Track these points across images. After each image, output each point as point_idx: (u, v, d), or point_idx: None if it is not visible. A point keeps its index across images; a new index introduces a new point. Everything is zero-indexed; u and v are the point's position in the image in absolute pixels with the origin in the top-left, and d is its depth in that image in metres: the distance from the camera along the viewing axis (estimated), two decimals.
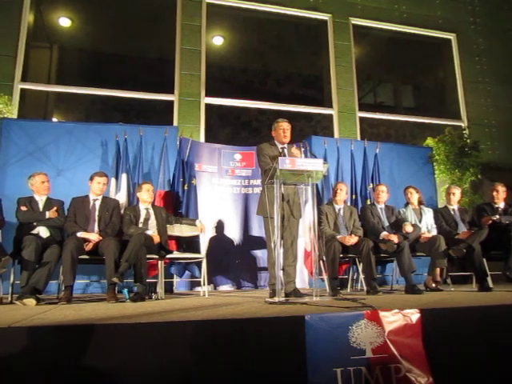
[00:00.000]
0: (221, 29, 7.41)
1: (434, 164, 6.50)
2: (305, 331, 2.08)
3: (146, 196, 4.33)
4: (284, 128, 3.88)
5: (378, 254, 4.30)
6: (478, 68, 8.17)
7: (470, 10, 8.46)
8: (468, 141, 6.72)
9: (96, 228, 4.00)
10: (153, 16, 7.11)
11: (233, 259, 5.66)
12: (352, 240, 4.19)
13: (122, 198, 4.93)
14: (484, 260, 4.22)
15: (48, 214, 3.90)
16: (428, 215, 4.70)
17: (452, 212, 4.77)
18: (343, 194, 4.61)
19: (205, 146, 5.94)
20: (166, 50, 6.85)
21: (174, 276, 5.06)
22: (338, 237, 4.23)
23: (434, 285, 4.37)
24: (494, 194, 4.73)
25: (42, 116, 6.72)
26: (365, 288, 4.18)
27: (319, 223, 4.25)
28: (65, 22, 6.82)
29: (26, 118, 5.72)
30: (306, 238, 5.12)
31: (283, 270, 3.65)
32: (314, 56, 7.90)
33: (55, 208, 3.99)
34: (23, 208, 3.90)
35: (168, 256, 4.33)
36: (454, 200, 4.82)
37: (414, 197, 4.75)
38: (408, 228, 4.31)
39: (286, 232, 3.72)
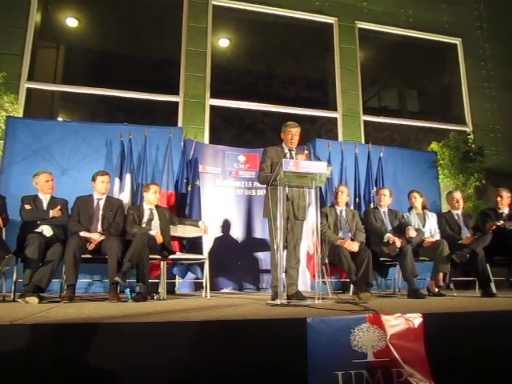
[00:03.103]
0: (226, 31, 7.43)
1: (439, 169, 6.48)
2: (306, 333, 2.07)
3: (152, 197, 4.34)
4: (292, 133, 3.86)
5: (378, 260, 4.31)
6: (484, 73, 8.15)
7: (476, 15, 8.45)
8: (472, 146, 6.69)
9: (99, 227, 4.01)
10: (159, 17, 7.13)
11: (235, 261, 5.66)
12: (353, 247, 4.14)
13: (125, 197, 4.94)
14: (487, 265, 4.20)
15: (52, 213, 3.92)
16: (432, 220, 4.69)
17: (456, 217, 4.75)
18: (344, 196, 4.61)
19: (209, 148, 5.95)
20: (172, 52, 6.87)
21: (177, 277, 5.06)
22: (338, 242, 4.20)
23: (436, 289, 4.35)
24: (498, 199, 4.71)
25: (48, 115, 6.74)
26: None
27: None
28: (72, 22, 6.85)
29: (31, 117, 5.75)
30: (308, 241, 5.11)
31: (286, 272, 3.65)
32: (319, 59, 7.90)
33: (59, 207, 4.01)
34: (27, 206, 3.92)
35: (171, 256, 4.33)
36: (460, 204, 4.80)
37: (418, 201, 4.74)
38: (411, 232, 4.29)
39: (290, 234, 3.71)
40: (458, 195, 4.84)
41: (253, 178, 5.85)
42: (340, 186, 4.76)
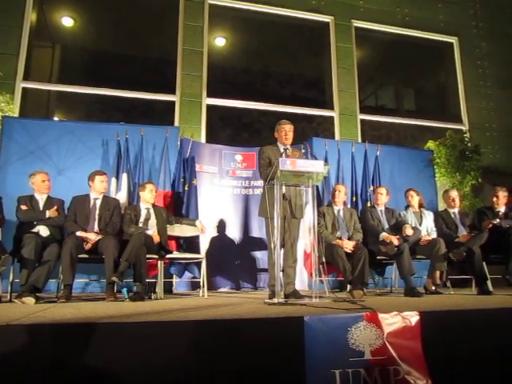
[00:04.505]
0: (223, 30, 7.42)
1: (435, 167, 6.49)
2: (304, 332, 2.07)
3: (149, 196, 4.34)
4: (286, 130, 3.88)
5: (375, 258, 4.31)
6: (480, 72, 8.17)
7: (472, 13, 8.46)
8: (469, 144, 6.72)
9: (96, 227, 4.00)
10: (155, 16, 7.11)
11: (232, 260, 5.66)
12: (348, 246, 4.19)
13: (122, 197, 4.92)
14: (484, 264, 4.22)
15: (48, 214, 3.90)
16: (428, 218, 4.70)
17: (452, 215, 4.77)
18: (342, 195, 4.62)
19: (206, 147, 5.95)
20: (168, 51, 6.85)
21: (174, 276, 5.06)
22: (334, 242, 4.23)
23: (433, 288, 4.37)
24: (494, 199, 4.73)
25: (44, 115, 6.71)
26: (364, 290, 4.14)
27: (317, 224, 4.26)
28: (67, 21, 6.82)
29: (27, 117, 5.73)
30: (305, 240, 5.11)
31: (283, 271, 3.65)
32: (316, 58, 7.90)
33: (55, 207, 3.99)
34: (23, 207, 3.90)
35: (168, 256, 4.33)
36: (456, 203, 4.81)
37: (415, 199, 4.75)
38: (408, 231, 4.30)
39: (287, 233, 3.71)
40: (454, 194, 4.85)
41: (250, 177, 5.85)
42: (337, 185, 4.77)
